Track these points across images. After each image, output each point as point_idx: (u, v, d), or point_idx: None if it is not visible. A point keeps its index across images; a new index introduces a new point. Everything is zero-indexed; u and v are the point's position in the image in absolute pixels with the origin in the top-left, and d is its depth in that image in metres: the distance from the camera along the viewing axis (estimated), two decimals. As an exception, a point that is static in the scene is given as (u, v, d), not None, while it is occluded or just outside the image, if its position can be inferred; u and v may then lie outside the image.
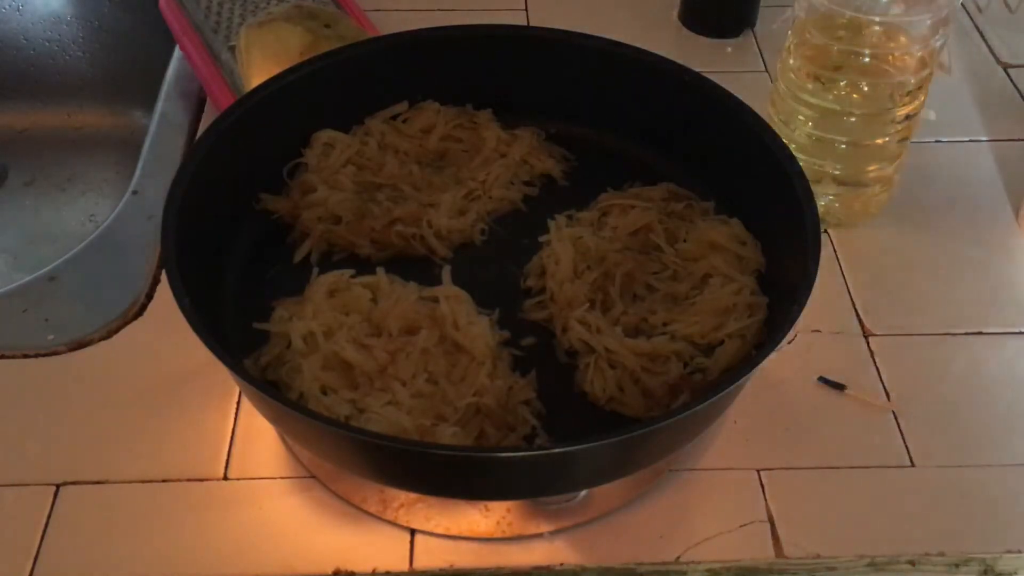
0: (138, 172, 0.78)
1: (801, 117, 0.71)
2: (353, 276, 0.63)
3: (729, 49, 0.93)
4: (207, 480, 0.59)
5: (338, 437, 0.50)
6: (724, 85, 0.67)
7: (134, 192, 0.77)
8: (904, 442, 0.62)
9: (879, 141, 0.71)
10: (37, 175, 1.03)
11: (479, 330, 0.60)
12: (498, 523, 0.57)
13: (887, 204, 0.76)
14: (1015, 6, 0.98)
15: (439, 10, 0.95)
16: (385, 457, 0.51)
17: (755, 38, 0.94)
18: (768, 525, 0.58)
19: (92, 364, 0.65)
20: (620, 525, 0.57)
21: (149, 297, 0.69)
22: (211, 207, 0.62)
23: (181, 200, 0.58)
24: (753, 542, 0.57)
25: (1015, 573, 0.58)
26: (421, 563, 0.56)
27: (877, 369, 0.66)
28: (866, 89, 0.68)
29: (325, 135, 0.70)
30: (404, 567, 0.56)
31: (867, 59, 0.68)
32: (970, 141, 0.84)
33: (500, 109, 0.74)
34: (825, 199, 0.73)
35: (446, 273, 0.64)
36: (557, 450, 0.50)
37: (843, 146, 0.71)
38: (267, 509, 0.58)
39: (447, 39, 0.72)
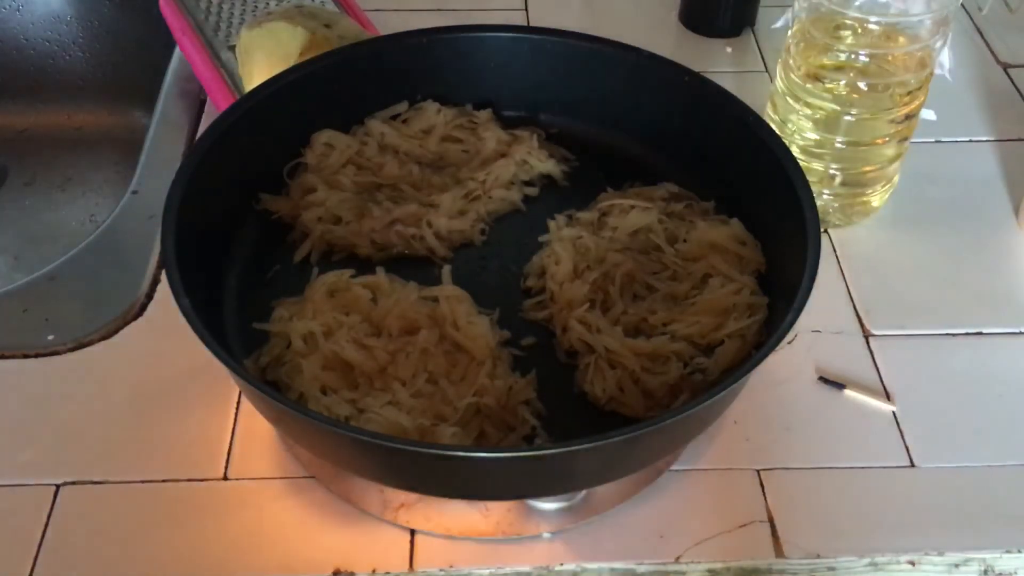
0: (138, 172, 0.78)
1: (801, 117, 0.71)
2: (353, 276, 0.63)
3: (729, 49, 0.93)
4: (207, 480, 0.59)
5: (338, 437, 0.50)
6: (724, 85, 0.67)
7: (134, 192, 0.77)
8: (904, 442, 0.62)
9: (879, 141, 0.71)
10: (37, 175, 1.02)
11: (479, 330, 0.60)
12: (498, 523, 0.57)
13: (887, 204, 0.76)
14: (1015, 6, 0.98)
15: (439, 10, 0.95)
16: (385, 457, 0.51)
17: (755, 38, 0.94)
18: (768, 525, 0.58)
19: (92, 364, 0.65)
20: (620, 525, 0.57)
21: (149, 297, 0.69)
22: (211, 207, 0.62)
23: (181, 200, 0.58)
24: (753, 542, 0.57)
25: (1015, 573, 0.58)
26: (421, 563, 0.56)
27: (877, 369, 0.66)
28: (866, 89, 0.68)
29: (325, 135, 0.70)
30: (404, 567, 0.56)
31: (867, 59, 0.68)
32: (970, 141, 0.84)
33: (500, 109, 0.74)
34: (825, 199, 0.73)
35: (446, 273, 0.64)
36: (557, 450, 0.50)
37: (843, 146, 0.71)
38: (267, 509, 0.58)
39: (447, 39, 0.72)
